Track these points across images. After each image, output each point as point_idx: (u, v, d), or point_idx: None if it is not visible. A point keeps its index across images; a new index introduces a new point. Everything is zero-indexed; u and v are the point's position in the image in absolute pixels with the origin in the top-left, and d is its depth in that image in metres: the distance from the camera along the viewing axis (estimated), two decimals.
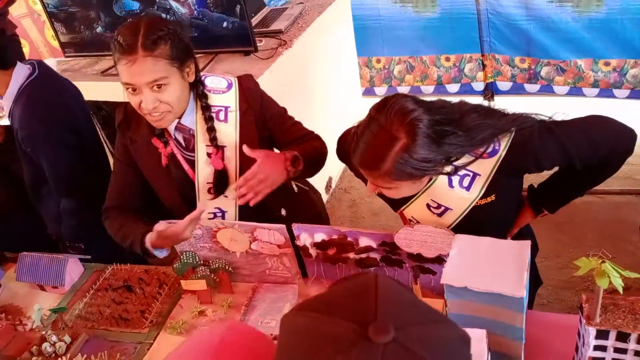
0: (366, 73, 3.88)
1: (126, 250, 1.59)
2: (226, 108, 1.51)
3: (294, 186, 1.71)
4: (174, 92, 1.38)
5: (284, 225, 1.38)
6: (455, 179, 1.28)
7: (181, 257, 1.59)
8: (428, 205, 1.34)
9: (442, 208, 1.33)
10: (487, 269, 1.00)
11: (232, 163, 1.54)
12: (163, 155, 1.53)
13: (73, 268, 1.83)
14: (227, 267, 1.56)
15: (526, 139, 1.24)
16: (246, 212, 1.56)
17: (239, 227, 1.46)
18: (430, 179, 1.29)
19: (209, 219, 1.58)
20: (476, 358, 0.88)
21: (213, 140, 1.50)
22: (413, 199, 1.35)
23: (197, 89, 1.49)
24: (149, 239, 1.45)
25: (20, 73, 1.84)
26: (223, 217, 1.60)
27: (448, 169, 1.21)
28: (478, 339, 0.91)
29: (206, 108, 1.49)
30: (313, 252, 1.39)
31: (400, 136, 1.12)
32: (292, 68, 2.75)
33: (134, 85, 1.35)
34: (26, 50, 4.99)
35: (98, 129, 2.78)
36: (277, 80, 2.50)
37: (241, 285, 1.61)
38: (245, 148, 1.40)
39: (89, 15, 2.86)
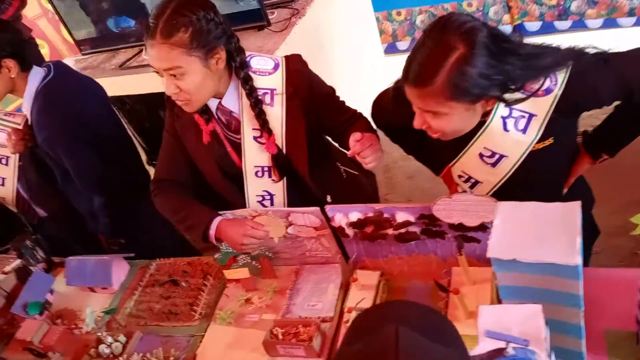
0: (387, 27, 3.73)
1: (178, 230, 1.62)
2: (272, 91, 1.44)
3: (342, 171, 1.67)
4: (193, 81, 1.33)
5: (318, 208, 1.35)
6: (510, 122, 1.21)
7: (221, 247, 1.58)
8: (481, 155, 1.27)
9: (497, 156, 1.25)
10: (536, 236, 0.93)
11: (278, 146, 1.48)
12: (205, 132, 1.49)
13: (119, 267, 1.86)
14: (267, 253, 1.56)
15: (584, 72, 1.16)
16: (294, 197, 1.54)
17: (273, 213, 1.43)
18: (483, 124, 1.22)
19: (258, 201, 1.55)
20: (534, 334, 0.84)
21: (264, 125, 1.45)
22: (464, 151, 1.28)
23: (240, 73, 1.41)
24: (214, 228, 1.47)
25: (35, 76, 1.85)
26: (271, 201, 1.56)
27: (506, 96, 1.14)
28: (534, 314, 0.86)
29: (251, 93, 1.42)
30: (350, 231, 1.36)
31: (458, 46, 1.06)
32: (308, 37, 2.67)
33: (155, 68, 1.33)
34: (45, 51, 5.03)
35: (125, 124, 2.79)
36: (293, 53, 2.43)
37: (284, 269, 1.60)
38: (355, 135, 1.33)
39: (100, 8, 2.84)
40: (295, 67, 1.48)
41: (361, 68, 3.37)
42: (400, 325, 0.57)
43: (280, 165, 1.50)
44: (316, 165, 1.54)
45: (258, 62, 1.46)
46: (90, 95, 2.00)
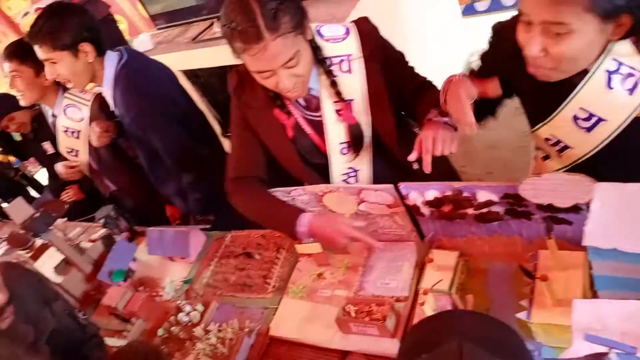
0: None
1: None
2: (348, 56, 1.36)
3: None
4: (305, 60, 1.28)
5: (392, 185, 1.29)
6: (617, 79, 1.06)
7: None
8: (575, 118, 1.13)
9: (594, 119, 1.11)
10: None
11: (362, 117, 1.41)
12: (288, 127, 1.43)
13: (196, 238, 1.91)
14: None
15: None
16: (380, 169, 1.48)
17: (344, 190, 1.39)
18: (584, 75, 1.09)
19: (343, 180, 1.51)
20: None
21: (338, 94, 1.38)
22: (558, 111, 1.15)
23: (312, 43, 1.34)
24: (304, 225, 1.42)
25: (111, 59, 1.89)
26: (356, 177, 1.51)
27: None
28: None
29: (322, 61, 1.36)
30: (425, 210, 1.29)
31: None
32: (379, 2, 2.55)
33: (270, 69, 1.25)
34: (124, 26, 5.21)
35: (199, 97, 2.84)
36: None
37: (356, 245, 1.57)
38: None
39: None
40: (366, 28, 1.39)
41: (437, 30, 3.20)
42: (464, 340, 0.53)
43: (358, 137, 1.43)
44: (400, 133, 1.46)
45: (328, 30, 1.38)
46: (165, 76, 2.04)
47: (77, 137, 2.19)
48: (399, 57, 1.46)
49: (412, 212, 1.34)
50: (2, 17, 5.26)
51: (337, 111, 1.40)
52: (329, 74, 1.37)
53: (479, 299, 1.20)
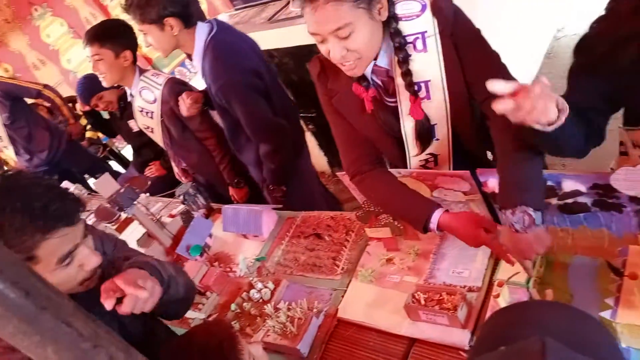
0: None
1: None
2: (422, 34, 1.27)
3: None
4: (362, 37, 1.22)
5: (467, 172, 1.24)
6: None
7: (363, 205, 1.56)
8: None
9: None
10: None
11: (439, 96, 1.32)
12: (366, 100, 1.37)
13: (269, 217, 1.95)
14: None
15: None
16: (457, 156, 1.41)
17: (417, 175, 1.36)
18: None
19: (420, 165, 1.46)
20: None
21: (409, 86, 1.30)
22: None
23: (391, 25, 1.27)
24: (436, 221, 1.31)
25: (202, 31, 1.96)
26: (435, 162, 1.44)
27: None
28: None
29: (400, 48, 1.28)
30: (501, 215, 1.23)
31: None
32: None
33: (319, 34, 1.22)
34: (204, 6, 5.35)
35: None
36: None
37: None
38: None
39: None
40: (442, 7, 1.29)
41: (525, 6, 3.01)
42: (548, 336, 0.49)
43: (424, 131, 1.36)
44: (473, 117, 1.37)
45: (402, 7, 1.31)
46: (251, 49, 2.08)
47: (151, 117, 2.31)
48: (473, 35, 1.30)
49: (491, 199, 1.28)
50: (93, 0, 5.58)
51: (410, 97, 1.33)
52: (402, 63, 1.30)
53: (558, 294, 1.14)
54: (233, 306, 1.67)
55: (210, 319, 1.69)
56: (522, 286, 1.17)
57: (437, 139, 1.38)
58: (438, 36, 1.27)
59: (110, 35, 2.11)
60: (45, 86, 3.54)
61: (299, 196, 2.21)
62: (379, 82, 1.38)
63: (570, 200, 1.13)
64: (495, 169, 1.20)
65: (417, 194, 1.38)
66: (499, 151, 1.24)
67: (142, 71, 2.28)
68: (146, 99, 2.27)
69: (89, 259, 1.02)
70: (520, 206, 1.11)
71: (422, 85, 1.31)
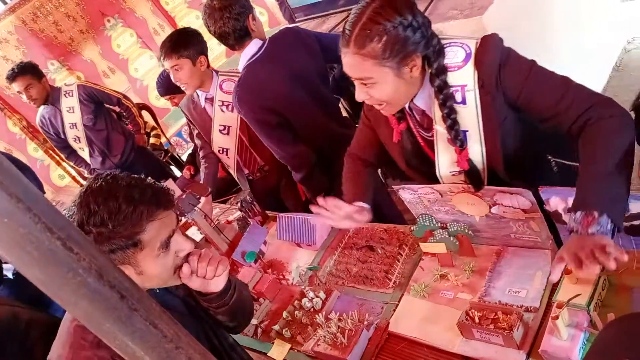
0: None
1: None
2: (462, 87, 1.28)
3: (553, 164, 1.48)
4: (384, 90, 1.27)
5: (529, 190, 1.21)
6: None
7: (418, 219, 1.55)
8: None
9: None
10: None
11: (477, 148, 1.34)
12: (395, 131, 1.45)
13: (322, 227, 1.97)
14: (466, 230, 1.47)
15: None
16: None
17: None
18: None
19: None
20: None
21: (456, 138, 1.32)
22: None
23: (435, 81, 1.28)
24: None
25: (250, 50, 2.06)
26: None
27: None
28: None
29: (444, 103, 1.29)
30: (567, 217, 1.19)
31: None
32: None
33: (347, 75, 1.30)
34: (265, 18, 5.49)
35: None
36: (510, 8, 2.19)
37: (484, 248, 1.50)
38: None
39: None
40: (486, 57, 1.26)
41: (594, 19, 2.90)
42: None
43: (474, 176, 1.39)
44: (519, 159, 1.37)
45: (447, 56, 1.29)
46: (281, 79, 2.14)
47: (232, 111, 2.36)
48: (526, 74, 1.26)
49: (552, 218, 1.24)
50: (160, 11, 5.85)
51: (449, 139, 1.35)
52: (450, 114, 1.30)
53: None
54: (285, 314, 1.69)
55: (262, 325, 1.72)
56: (582, 308, 1.12)
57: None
58: (477, 91, 1.27)
59: (184, 45, 2.21)
60: (124, 96, 3.74)
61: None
62: (416, 117, 1.42)
63: (637, 222, 1.08)
64: (558, 187, 1.17)
65: (352, 187, 1.64)
66: (584, 159, 1.17)
67: (217, 72, 2.37)
68: (228, 90, 2.33)
69: (183, 245, 1.13)
70: (592, 211, 1.04)
71: (461, 133, 1.33)
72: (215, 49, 5.34)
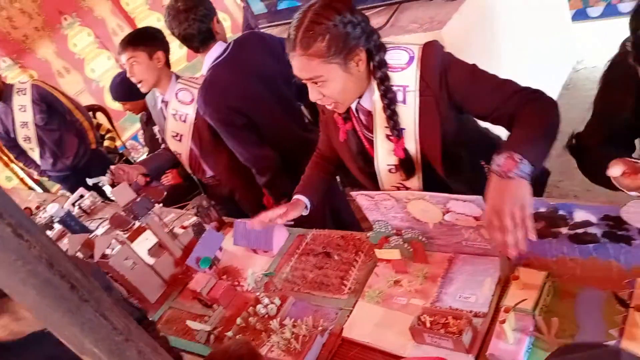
0: None
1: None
2: (404, 88, 1.38)
3: (486, 169, 1.54)
4: (335, 87, 1.35)
5: (480, 197, 1.24)
6: None
7: (374, 225, 1.58)
8: None
9: None
10: None
11: (412, 145, 1.45)
12: (341, 130, 1.54)
13: (279, 233, 1.97)
14: (420, 238, 1.50)
15: None
16: (430, 189, 1.46)
17: (430, 197, 1.37)
18: None
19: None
20: None
21: (393, 128, 1.42)
22: None
23: (377, 72, 1.38)
24: None
25: (214, 52, 2.09)
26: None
27: None
28: None
29: (385, 94, 1.39)
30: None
31: None
32: (484, 5, 2.47)
33: (299, 78, 1.38)
34: (227, 24, 5.47)
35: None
36: (467, 24, 2.27)
37: (437, 255, 1.54)
38: None
39: None
40: (429, 61, 1.35)
41: (545, 38, 3.04)
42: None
43: (408, 166, 1.49)
44: (457, 162, 1.46)
45: (391, 57, 1.39)
46: (244, 78, 2.15)
47: (184, 121, 2.33)
48: (467, 78, 1.36)
49: None
50: (120, 11, 5.72)
51: (388, 136, 1.45)
52: (390, 104, 1.39)
53: (564, 323, 1.14)
54: (239, 320, 1.67)
55: (215, 331, 1.70)
56: (528, 313, 1.17)
57: (408, 188, 1.54)
58: (418, 93, 1.37)
59: (142, 38, 2.18)
60: (78, 106, 3.60)
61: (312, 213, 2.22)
62: (363, 119, 1.50)
63: (580, 231, 1.13)
64: None
65: (303, 182, 1.76)
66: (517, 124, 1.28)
67: (178, 76, 2.33)
68: (183, 100, 2.30)
69: None
70: (515, 155, 1.12)
71: (399, 124, 1.43)
72: (177, 52, 5.27)
